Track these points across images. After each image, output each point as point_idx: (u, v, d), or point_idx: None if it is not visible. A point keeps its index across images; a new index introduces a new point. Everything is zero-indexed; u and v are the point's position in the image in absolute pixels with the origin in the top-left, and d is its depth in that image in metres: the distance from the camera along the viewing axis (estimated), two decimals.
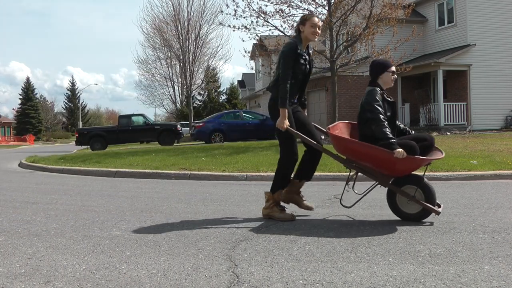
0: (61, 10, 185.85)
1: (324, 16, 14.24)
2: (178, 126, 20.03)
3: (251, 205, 4.76)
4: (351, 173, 4.12)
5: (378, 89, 3.88)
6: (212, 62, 30.20)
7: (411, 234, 3.33)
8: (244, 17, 14.18)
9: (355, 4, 13.69)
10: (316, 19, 3.97)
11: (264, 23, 14.06)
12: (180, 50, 27.39)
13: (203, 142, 18.40)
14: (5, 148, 32.44)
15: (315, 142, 3.95)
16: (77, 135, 19.93)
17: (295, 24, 14.13)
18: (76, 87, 72.79)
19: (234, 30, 14.67)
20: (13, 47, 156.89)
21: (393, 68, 3.98)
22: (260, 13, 13.94)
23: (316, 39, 4.08)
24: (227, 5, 16.04)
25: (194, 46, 27.35)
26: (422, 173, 3.84)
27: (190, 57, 27.12)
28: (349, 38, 14.41)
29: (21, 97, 63.84)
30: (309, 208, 4.13)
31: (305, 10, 13.97)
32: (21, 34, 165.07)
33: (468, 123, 18.28)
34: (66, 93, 73.07)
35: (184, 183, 7.12)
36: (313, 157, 4.09)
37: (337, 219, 3.96)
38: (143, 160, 9.93)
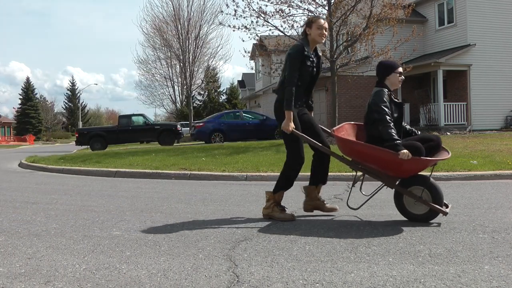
0: (61, 10, 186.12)
1: (324, 16, 14.24)
2: (178, 126, 20.03)
3: (251, 205, 4.76)
4: (358, 175, 4.10)
5: (385, 90, 3.86)
6: (212, 62, 30.25)
7: (411, 234, 3.33)
8: (244, 17, 14.21)
9: (355, 4, 13.69)
10: (322, 21, 3.95)
11: (264, 23, 14.08)
12: (180, 50, 27.40)
13: (203, 142, 18.40)
14: (5, 148, 32.44)
15: (320, 145, 3.94)
16: (77, 135, 19.92)
17: (295, 24, 14.25)
18: (76, 87, 72.86)
19: (234, 30, 14.71)
20: (13, 47, 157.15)
21: (401, 69, 3.95)
22: (260, 13, 13.95)
23: (323, 41, 4.08)
24: (227, 5, 16.05)
25: (194, 46, 27.36)
26: (429, 174, 3.81)
27: (190, 57, 27.12)
28: (349, 38, 14.41)
29: (21, 97, 63.87)
30: (333, 210, 4.12)
31: (305, 10, 13.99)
32: (21, 34, 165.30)
33: (468, 123, 18.28)
34: (66, 93, 73.18)
35: (184, 183, 7.11)
36: (322, 159, 4.08)
37: (337, 219, 3.96)
38: (143, 160, 9.93)
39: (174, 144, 18.92)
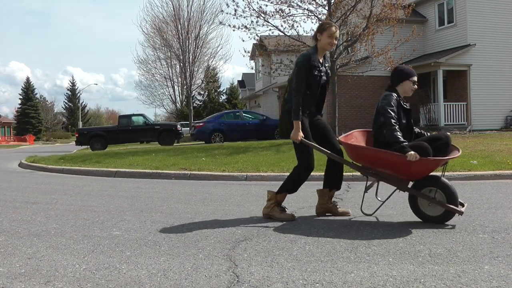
0: (61, 10, 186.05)
1: (324, 16, 14.24)
2: (178, 126, 20.03)
3: (251, 205, 4.76)
4: (371, 181, 4.07)
5: (394, 94, 3.83)
6: (212, 62, 30.24)
7: (411, 234, 3.33)
8: (244, 17, 14.20)
9: (355, 4, 13.69)
10: (333, 30, 3.92)
11: (264, 23, 14.08)
12: (180, 50, 27.40)
13: (203, 142, 18.40)
14: (5, 148, 32.44)
15: (330, 152, 3.93)
16: (77, 135, 19.92)
17: (295, 24, 14.23)
18: (76, 87, 72.85)
19: (234, 30, 14.69)
20: (13, 47, 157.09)
21: (415, 78, 3.92)
22: (260, 13, 13.95)
23: (332, 49, 4.07)
24: (227, 4, 16.01)
25: (194, 46, 27.36)
26: (440, 174, 3.75)
27: (190, 57, 27.12)
28: (349, 38, 14.41)
29: (21, 97, 63.86)
30: (345, 214, 4.09)
31: (305, 10, 13.98)
32: (21, 34, 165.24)
33: (468, 123, 18.28)
34: (66, 93, 73.17)
35: (184, 183, 7.12)
36: (337, 165, 4.07)
37: (337, 219, 3.96)
38: (143, 160, 9.93)
39: (174, 144, 18.92)
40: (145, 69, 33.91)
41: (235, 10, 14.10)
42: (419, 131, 4.05)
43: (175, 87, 38.81)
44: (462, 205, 3.69)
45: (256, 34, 14.55)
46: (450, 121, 18.16)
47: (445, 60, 17.87)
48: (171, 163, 9.14)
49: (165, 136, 19.21)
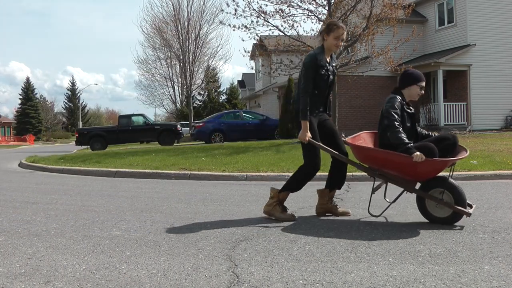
0: (61, 10, 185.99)
1: (324, 16, 14.24)
2: (178, 126, 20.03)
3: (251, 205, 4.76)
4: (379, 182, 4.06)
5: (398, 97, 3.82)
6: (212, 62, 30.28)
7: (411, 234, 3.33)
8: (244, 17, 14.19)
9: (355, 4, 13.69)
10: (340, 31, 3.93)
11: (264, 23, 14.07)
12: (180, 50, 27.42)
13: (203, 142, 18.41)
14: (5, 148, 32.44)
15: (337, 153, 3.93)
16: (77, 135, 19.93)
17: (295, 24, 14.24)
18: (76, 87, 72.86)
19: (234, 30, 14.68)
20: (13, 47, 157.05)
21: (423, 84, 3.91)
22: (260, 12, 13.94)
23: (338, 50, 4.08)
24: (227, 4, 16.02)
25: (194, 46, 27.38)
26: (448, 174, 3.72)
27: (190, 57, 27.14)
28: (349, 38, 14.40)
29: (21, 97, 63.86)
30: (345, 214, 4.09)
31: (305, 10, 13.98)
32: (21, 34, 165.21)
33: (468, 123, 18.28)
34: (66, 93, 73.20)
35: (184, 183, 7.12)
36: (341, 166, 4.08)
37: (337, 219, 3.96)
38: (143, 160, 9.93)
39: (174, 144, 18.92)
40: (145, 69, 33.96)
41: (235, 10, 14.11)
42: (426, 132, 4.02)
43: (175, 87, 38.87)
44: (470, 206, 3.66)
45: (256, 34, 14.55)
46: (450, 121, 18.16)
47: (445, 60, 17.87)
48: (171, 163, 9.15)
49: (165, 136, 19.22)
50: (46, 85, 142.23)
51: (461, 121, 18.30)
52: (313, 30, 15.21)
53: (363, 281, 2.33)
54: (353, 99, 19.46)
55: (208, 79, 32.20)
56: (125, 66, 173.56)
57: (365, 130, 4.49)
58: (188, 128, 26.26)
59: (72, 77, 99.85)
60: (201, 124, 19.46)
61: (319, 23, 14.96)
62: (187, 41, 27.18)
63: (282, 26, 15.98)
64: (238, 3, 14.34)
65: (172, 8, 27.64)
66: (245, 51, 15.68)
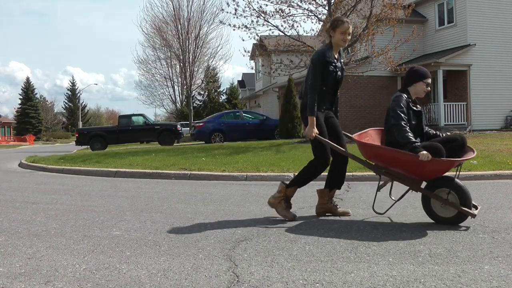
0: (61, 10, 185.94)
1: (324, 16, 14.24)
2: (178, 126, 20.04)
3: (251, 205, 4.76)
4: (384, 180, 4.05)
5: (404, 95, 3.82)
6: (212, 62, 30.31)
7: (411, 234, 3.33)
8: (244, 17, 14.20)
9: (355, 4, 13.70)
10: (346, 26, 3.94)
11: (264, 23, 14.07)
12: (180, 50, 27.43)
13: (203, 142, 18.41)
14: (5, 148, 32.44)
15: (344, 150, 3.94)
16: (77, 135, 19.93)
17: (295, 24, 14.25)
18: (76, 87, 72.88)
19: (234, 29, 14.65)
20: (13, 47, 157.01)
21: (429, 80, 3.90)
22: (260, 12, 13.95)
23: (345, 45, 4.10)
24: (227, 4, 16.02)
25: (194, 46, 27.40)
26: (455, 175, 3.70)
27: (190, 57, 27.15)
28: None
29: (21, 97, 63.86)
30: (345, 214, 4.08)
31: (305, 10, 13.98)
32: (21, 34, 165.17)
33: (468, 123, 18.28)
34: (66, 93, 73.23)
35: (184, 183, 7.11)
36: (341, 166, 4.08)
37: (337, 219, 3.96)
38: (143, 160, 9.93)
39: (174, 144, 18.92)
40: (145, 69, 33.97)
41: (236, 10, 14.12)
42: (434, 132, 4.01)
43: (175, 87, 38.87)
44: (475, 207, 3.64)
45: (256, 34, 14.56)
46: (450, 121, 18.16)
47: (445, 60, 17.87)
48: (171, 163, 9.14)
49: (165, 136, 19.22)
50: (46, 85, 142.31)
51: (461, 121, 18.30)
52: (313, 30, 15.24)
53: (363, 281, 2.33)
54: (353, 99, 19.46)
55: (208, 79, 32.21)
56: (125, 66, 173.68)
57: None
58: (188, 128, 26.27)
59: (72, 77, 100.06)
60: (201, 124, 19.46)
61: (319, 23, 14.98)
62: (187, 41, 27.20)
63: (282, 26, 16.00)
64: (238, 2, 14.45)
65: (172, 8, 27.68)
66: (245, 51, 15.71)
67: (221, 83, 46.63)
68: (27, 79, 65.65)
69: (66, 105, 73.31)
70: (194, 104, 40.92)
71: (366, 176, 6.70)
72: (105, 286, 2.33)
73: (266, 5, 19.05)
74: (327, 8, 13.90)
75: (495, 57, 18.52)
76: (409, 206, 4.41)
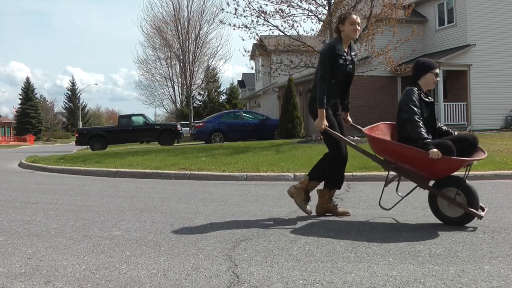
0: (61, 10, 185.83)
1: (324, 16, 14.24)
2: (178, 126, 20.04)
3: (251, 205, 4.76)
4: (390, 176, 4.04)
5: (415, 88, 3.80)
6: (212, 62, 30.29)
7: (411, 234, 3.33)
8: (244, 16, 14.19)
9: (355, 4, 13.69)
10: (354, 17, 3.96)
11: (264, 23, 14.07)
12: (180, 50, 27.43)
13: (203, 142, 18.41)
14: (5, 148, 32.44)
15: (354, 144, 3.94)
16: (77, 135, 19.94)
17: (295, 24, 14.25)
18: (76, 87, 72.85)
19: (234, 29, 14.65)
20: (13, 47, 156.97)
21: (438, 70, 3.89)
22: (260, 12, 13.94)
23: (357, 36, 4.08)
24: (227, 3, 16.03)
25: (194, 46, 27.40)
26: (464, 174, 3.66)
27: (190, 57, 27.15)
28: None
29: (21, 97, 63.84)
30: (345, 214, 4.08)
31: (305, 10, 13.98)
32: (21, 34, 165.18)
33: (468, 123, 18.28)
34: (66, 93, 73.20)
35: (184, 183, 7.12)
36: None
37: (337, 219, 3.96)
38: (143, 160, 9.93)
39: (174, 144, 18.92)
40: (145, 69, 33.98)
41: (236, 10, 14.11)
42: (446, 129, 3.99)
43: (175, 87, 38.89)
44: (483, 209, 3.62)
45: (256, 34, 14.55)
46: (450, 121, 18.15)
47: (445, 60, 17.86)
48: (171, 163, 9.14)
49: (165, 136, 19.22)
50: (46, 85, 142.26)
51: (461, 121, 18.30)
52: (313, 30, 15.23)
53: (363, 281, 2.33)
54: (353, 99, 19.32)
55: (208, 79, 32.22)
56: (125, 66, 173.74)
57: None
58: (188, 128, 26.27)
59: (72, 77, 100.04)
60: (201, 124, 19.47)
61: (319, 23, 14.97)
62: (187, 41, 27.19)
63: (282, 26, 16.01)
64: (238, 2, 14.32)
65: (172, 8, 27.68)
66: (245, 51, 15.70)
67: (221, 83, 46.70)
68: (27, 79, 65.69)
69: (66, 105, 73.33)
70: (194, 104, 40.92)
71: (366, 176, 6.70)
72: (105, 286, 2.33)
73: (266, 5, 19.12)
74: (327, 8, 13.89)
75: (495, 57, 18.52)
76: (409, 206, 4.41)
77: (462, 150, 3.60)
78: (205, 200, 5.21)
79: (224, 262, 2.70)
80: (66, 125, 72.26)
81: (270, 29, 14.37)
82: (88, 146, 19.21)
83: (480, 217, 3.46)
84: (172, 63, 31.72)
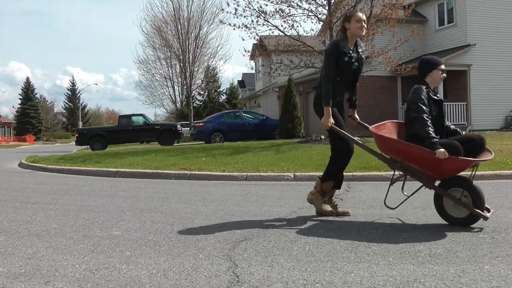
0: (61, 10, 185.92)
1: (324, 16, 14.23)
2: (178, 126, 20.03)
3: (251, 205, 4.76)
4: (396, 174, 4.03)
5: (424, 87, 3.78)
6: (212, 62, 30.27)
7: (411, 234, 3.33)
8: (244, 16, 14.18)
9: (355, 4, 13.68)
10: (360, 14, 3.96)
11: (264, 23, 14.06)
12: (180, 50, 27.42)
13: (203, 142, 18.41)
14: (5, 148, 32.43)
15: (360, 142, 3.95)
16: (77, 135, 19.94)
17: (295, 24, 14.24)
18: (76, 87, 72.85)
19: (234, 29, 14.62)
20: (13, 47, 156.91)
21: (443, 67, 3.88)
22: (260, 12, 13.94)
23: (363, 33, 4.07)
24: (227, 3, 16.02)
25: (194, 46, 27.39)
26: (470, 175, 3.66)
27: (190, 57, 27.14)
28: None
29: (21, 97, 63.84)
30: (345, 214, 4.08)
31: (305, 10, 13.97)
32: (21, 34, 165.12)
33: (468, 123, 18.29)
34: (66, 93, 73.22)
35: (184, 183, 7.11)
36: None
37: (337, 219, 3.96)
38: (143, 160, 9.93)
39: (174, 144, 18.92)
40: (145, 69, 33.96)
41: (236, 10, 14.10)
42: (454, 128, 3.98)
43: (175, 87, 38.87)
44: (488, 210, 3.61)
45: (256, 34, 14.53)
46: (450, 121, 18.05)
47: (445, 60, 17.83)
48: (171, 163, 9.14)
49: (165, 136, 19.22)
50: (46, 85, 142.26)
51: (461, 121, 18.30)
52: (313, 30, 15.22)
53: (363, 281, 2.33)
54: None
55: (208, 79, 32.21)
56: (125, 66, 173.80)
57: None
58: (188, 128, 26.27)
59: (72, 77, 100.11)
60: (201, 124, 19.46)
61: (319, 23, 14.96)
62: (187, 41, 27.19)
63: (282, 26, 15.99)
64: (238, 2, 14.28)
65: (172, 8, 27.66)
66: (245, 51, 15.69)
67: (221, 83, 46.70)
68: (27, 79, 65.70)
69: (66, 105, 73.34)
70: (194, 104, 40.93)
71: (366, 176, 6.70)
72: (105, 286, 2.33)
73: (266, 5, 19.08)
74: (327, 8, 13.89)
75: (495, 57, 18.52)
76: (409, 206, 4.41)
77: (469, 151, 3.60)
78: (205, 200, 5.21)
79: (224, 262, 2.70)
80: (66, 125, 72.27)
81: (270, 29, 14.37)
82: (88, 146, 19.21)
83: (486, 218, 3.45)
84: (172, 63, 31.74)
